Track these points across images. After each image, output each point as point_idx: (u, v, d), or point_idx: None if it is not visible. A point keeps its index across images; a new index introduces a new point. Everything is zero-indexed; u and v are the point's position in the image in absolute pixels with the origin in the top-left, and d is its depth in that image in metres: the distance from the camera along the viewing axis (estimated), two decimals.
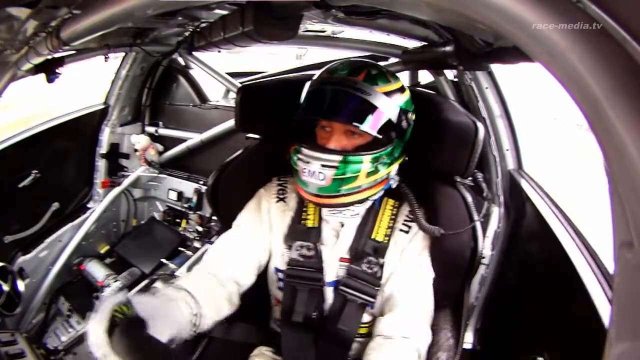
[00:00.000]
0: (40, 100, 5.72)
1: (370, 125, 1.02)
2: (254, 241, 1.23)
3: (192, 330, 0.96)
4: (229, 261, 1.18)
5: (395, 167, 1.12)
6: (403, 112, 1.07)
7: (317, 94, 1.08)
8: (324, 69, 1.13)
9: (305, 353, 1.17)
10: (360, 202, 1.10)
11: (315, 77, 1.12)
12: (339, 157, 1.02)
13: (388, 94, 1.05)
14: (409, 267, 1.13)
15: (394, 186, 1.16)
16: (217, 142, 2.74)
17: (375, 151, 1.04)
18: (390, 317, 1.09)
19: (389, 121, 1.04)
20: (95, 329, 0.80)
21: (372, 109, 1.02)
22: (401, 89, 1.09)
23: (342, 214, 1.15)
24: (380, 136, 1.04)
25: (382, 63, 2.03)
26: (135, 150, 2.90)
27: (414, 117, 1.13)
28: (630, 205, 0.38)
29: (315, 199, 1.08)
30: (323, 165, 1.02)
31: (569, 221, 1.35)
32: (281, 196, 1.27)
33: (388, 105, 1.04)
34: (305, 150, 1.06)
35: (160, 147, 2.95)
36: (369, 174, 1.05)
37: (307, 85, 1.11)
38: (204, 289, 1.05)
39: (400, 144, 1.11)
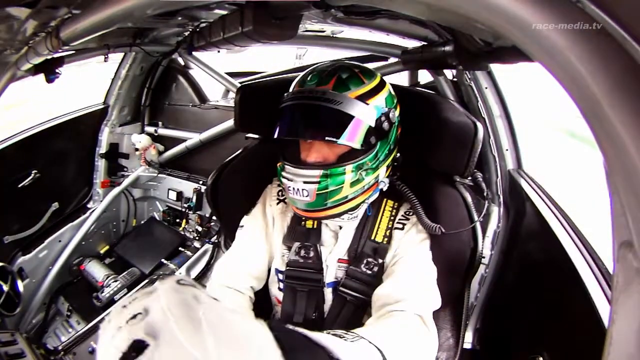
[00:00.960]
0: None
1: (347, 137, 0.98)
2: (261, 246, 1.24)
3: None
4: (242, 271, 1.22)
5: (383, 169, 1.09)
6: (382, 112, 1.02)
7: (287, 112, 1.04)
8: (297, 78, 1.09)
9: None
10: (352, 209, 1.09)
11: (289, 90, 1.08)
12: (319, 172, 0.99)
13: (362, 97, 0.99)
14: (404, 250, 1.11)
15: (384, 189, 1.14)
16: (216, 142, 2.74)
17: (356, 160, 1.01)
18: (383, 285, 1.06)
19: (367, 126, 1.00)
20: None
21: (346, 118, 0.97)
22: (378, 87, 1.04)
23: (340, 217, 1.14)
24: (358, 146, 1.00)
25: (381, 63, 2.05)
26: (136, 150, 2.90)
27: (398, 112, 1.09)
28: (630, 205, 0.38)
29: (304, 214, 1.09)
30: (305, 182, 1.01)
31: (569, 221, 1.35)
32: (281, 197, 1.27)
33: (363, 110, 0.99)
34: (288, 168, 1.04)
35: (160, 147, 2.96)
36: (354, 184, 1.02)
37: (282, 99, 1.08)
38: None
39: (385, 146, 1.06)
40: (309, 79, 1.04)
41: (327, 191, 1.01)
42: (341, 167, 1.00)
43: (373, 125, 1.01)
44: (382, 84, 1.06)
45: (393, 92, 1.09)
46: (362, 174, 1.03)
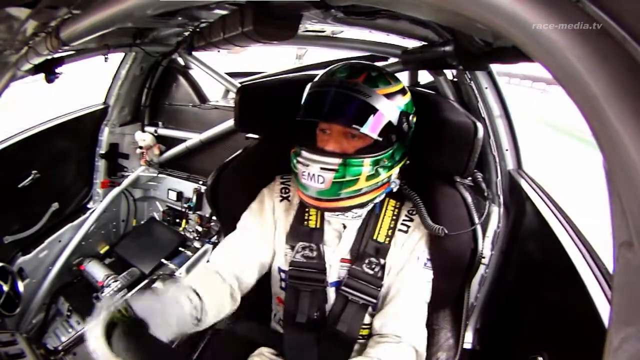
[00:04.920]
0: None
1: (371, 128, 1.01)
2: (258, 241, 1.23)
3: (194, 324, 0.97)
4: (231, 258, 1.19)
5: (396, 170, 1.11)
6: (404, 114, 1.06)
7: (316, 96, 1.07)
8: (323, 71, 1.12)
9: (308, 354, 1.17)
10: (361, 206, 1.10)
11: (314, 80, 1.11)
12: (338, 160, 1.01)
13: (388, 95, 1.03)
14: (405, 262, 1.13)
15: (395, 189, 1.15)
16: (216, 142, 2.73)
17: (375, 154, 1.03)
18: (383, 313, 1.10)
19: (390, 123, 1.03)
20: (93, 332, 0.80)
21: (373, 111, 1.00)
22: (402, 91, 1.08)
23: (344, 215, 1.15)
24: (380, 139, 1.03)
25: (381, 63, 2.04)
26: (140, 147, 2.88)
27: (415, 119, 1.12)
28: (629, 205, 0.38)
29: (315, 202, 1.08)
30: (322, 168, 1.02)
31: (569, 221, 1.35)
32: (284, 195, 1.27)
33: (389, 107, 1.02)
34: (304, 153, 1.05)
35: (162, 147, 2.95)
36: (369, 177, 1.04)
37: (307, 88, 1.11)
38: (206, 283, 1.09)
39: (401, 148, 1.10)
40: (339, 70, 1.07)
41: (344, 180, 1.02)
42: (360, 158, 1.03)
43: (395, 123, 1.04)
44: (404, 89, 1.10)
45: (412, 99, 1.12)
46: (379, 169, 1.05)
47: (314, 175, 1.03)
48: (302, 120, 1.08)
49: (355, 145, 1.05)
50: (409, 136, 1.11)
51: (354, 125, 1.01)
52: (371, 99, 1.01)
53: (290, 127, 1.12)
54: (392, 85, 1.06)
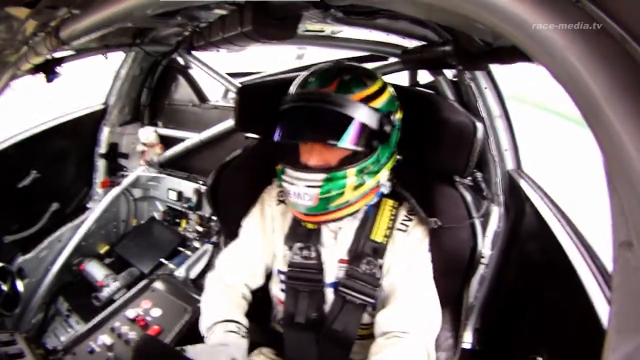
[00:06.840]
0: None
1: (349, 140, 0.97)
2: (260, 247, 1.25)
3: None
4: (240, 270, 1.24)
5: (384, 173, 1.09)
6: (384, 115, 1.01)
7: (289, 114, 1.04)
8: (297, 80, 1.08)
9: (307, 353, 1.17)
10: (352, 214, 1.09)
11: (289, 92, 1.08)
12: (321, 176, 0.99)
13: (365, 100, 0.99)
14: (405, 260, 1.12)
15: (386, 192, 1.14)
16: (216, 142, 2.73)
17: (358, 163, 1.00)
18: (387, 310, 1.08)
19: (370, 130, 0.99)
20: None
21: (348, 121, 0.96)
22: (380, 90, 1.03)
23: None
24: (361, 149, 0.99)
25: (381, 63, 2.05)
26: (144, 144, 2.88)
27: (399, 115, 1.08)
28: (629, 205, 0.38)
29: (305, 217, 1.08)
30: (307, 186, 1.00)
31: (568, 221, 1.35)
32: (281, 198, 1.27)
33: (366, 113, 0.98)
34: (288, 171, 1.04)
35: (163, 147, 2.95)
36: (356, 188, 1.02)
37: (282, 101, 1.07)
38: (237, 307, 1.18)
39: (386, 149, 1.06)
40: (310, 80, 1.04)
41: (330, 195, 1.00)
42: (343, 170, 1.00)
43: (375, 128, 1.00)
44: (383, 87, 1.06)
45: (395, 95, 1.09)
46: (364, 177, 1.02)
47: (300, 193, 1.01)
48: (279, 142, 1.06)
49: (338, 155, 1.02)
50: (394, 135, 1.07)
51: (330, 141, 0.97)
52: (345, 109, 0.96)
53: (273, 143, 1.09)
54: (368, 87, 1.01)
